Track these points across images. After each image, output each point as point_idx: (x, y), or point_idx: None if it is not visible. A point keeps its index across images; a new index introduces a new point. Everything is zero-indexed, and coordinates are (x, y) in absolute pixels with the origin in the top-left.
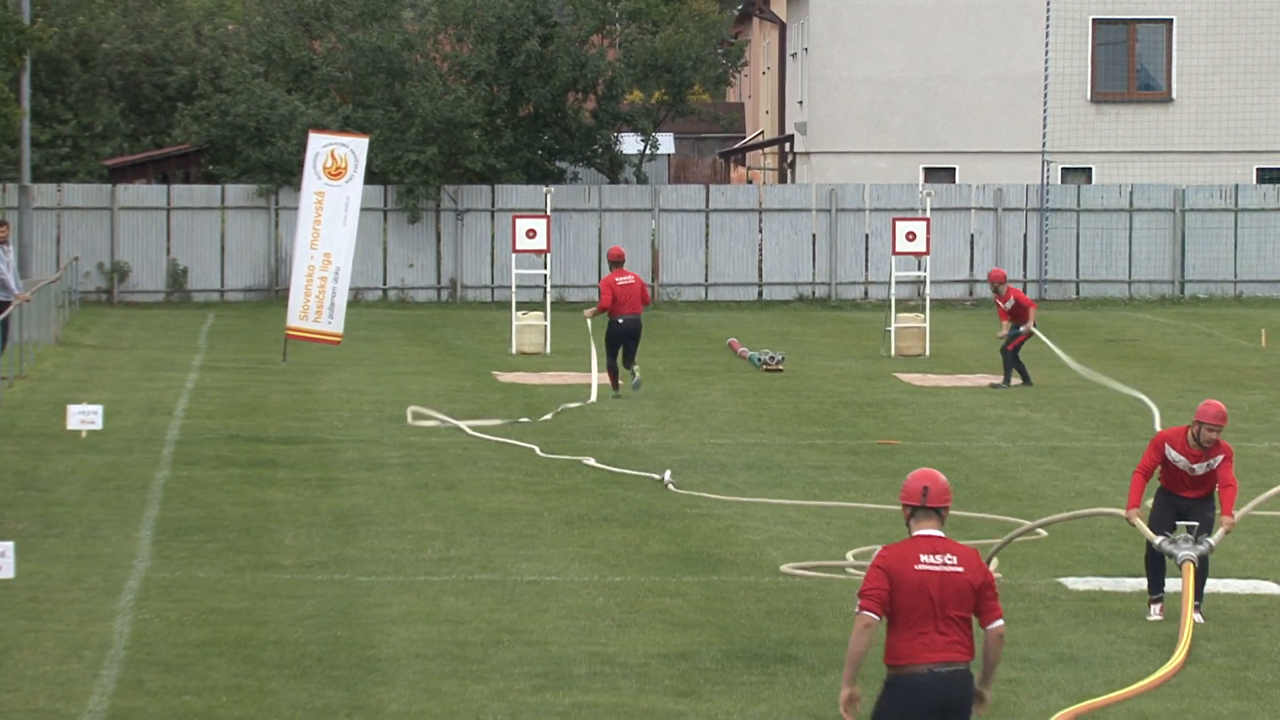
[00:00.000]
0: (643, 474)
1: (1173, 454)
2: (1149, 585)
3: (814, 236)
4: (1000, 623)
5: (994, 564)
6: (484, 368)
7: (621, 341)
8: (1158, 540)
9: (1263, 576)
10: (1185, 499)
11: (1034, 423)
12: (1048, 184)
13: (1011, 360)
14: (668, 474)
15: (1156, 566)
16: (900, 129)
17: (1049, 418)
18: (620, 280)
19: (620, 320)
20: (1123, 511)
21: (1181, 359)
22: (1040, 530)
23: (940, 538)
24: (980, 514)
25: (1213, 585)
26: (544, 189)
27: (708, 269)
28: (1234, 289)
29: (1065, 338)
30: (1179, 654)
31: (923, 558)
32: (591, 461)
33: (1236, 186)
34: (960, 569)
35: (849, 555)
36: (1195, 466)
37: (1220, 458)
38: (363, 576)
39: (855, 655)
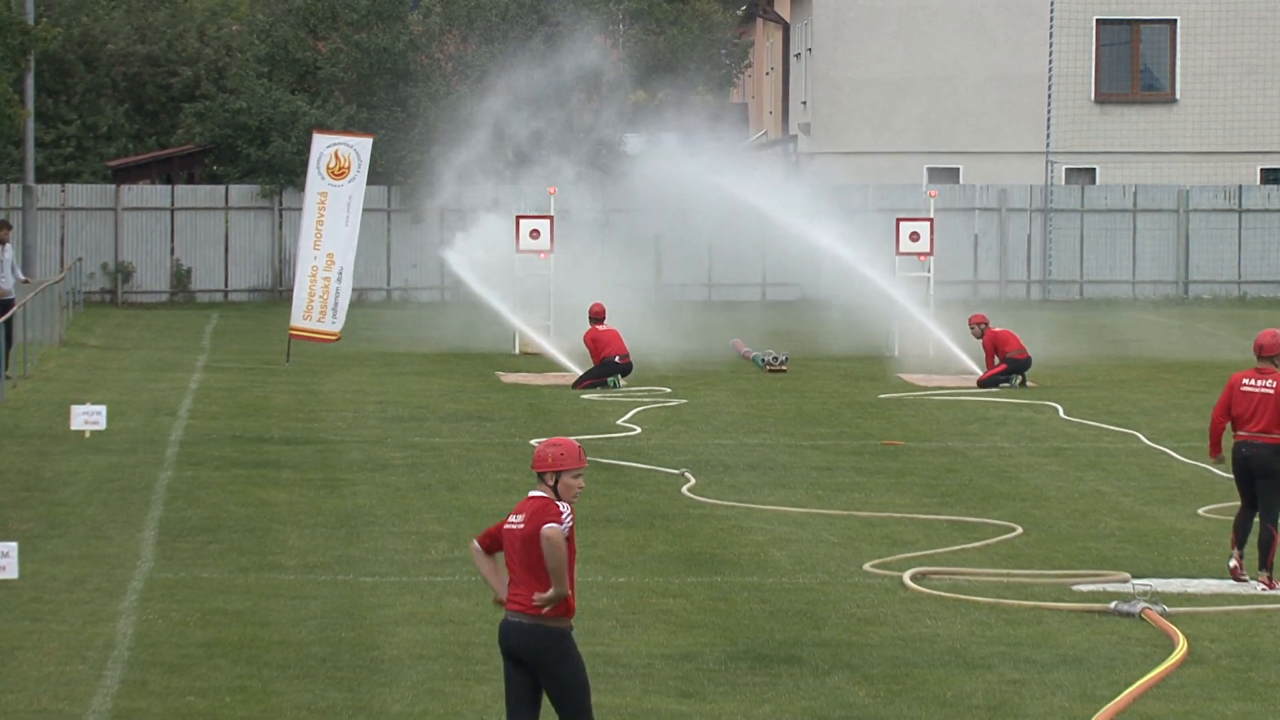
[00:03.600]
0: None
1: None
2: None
3: None
4: (546, 527)
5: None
6: (487, 368)
7: (618, 372)
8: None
9: None
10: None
11: (1038, 423)
12: (1052, 184)
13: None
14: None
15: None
16: (904, 130)
17: (1053, 418)
18: (601, 327)
19: (617, 359)
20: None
21: (1185, 360)
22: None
23: (531, 498)
24: (983, 519)
25: (1217, 586)
26: (548, 189)
27: (711, 269)
28: (1238, 289)
29: (1069, 338)
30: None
31: (510, 519)
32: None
33: (1240, 187)
34: (521, 525)
35: (866, 566)
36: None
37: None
38: (366, 577)
39: (482, 571)
